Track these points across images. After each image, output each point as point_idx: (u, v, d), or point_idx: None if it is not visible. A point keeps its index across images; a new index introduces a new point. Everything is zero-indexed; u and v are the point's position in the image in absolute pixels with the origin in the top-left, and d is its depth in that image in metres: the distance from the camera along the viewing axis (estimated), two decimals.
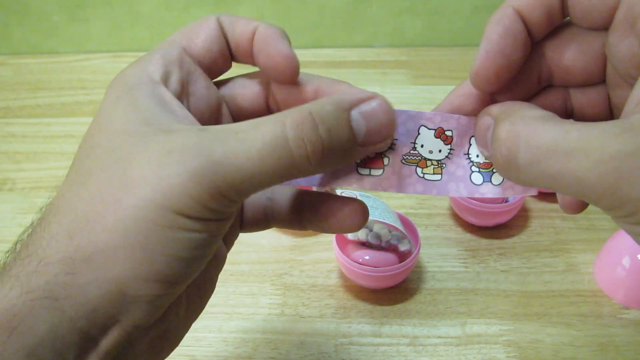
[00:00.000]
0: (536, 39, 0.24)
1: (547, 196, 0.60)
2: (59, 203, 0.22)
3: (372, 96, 0.23)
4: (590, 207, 0.66)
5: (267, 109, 0.28)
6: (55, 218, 0.21)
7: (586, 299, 0.51)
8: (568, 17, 0.24)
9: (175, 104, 0.24)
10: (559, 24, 0.24)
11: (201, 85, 0.26)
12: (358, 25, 0.84)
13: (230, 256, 0.55)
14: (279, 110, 0.28)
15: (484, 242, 0.56)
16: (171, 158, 0.20)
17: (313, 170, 0.22)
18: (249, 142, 0.21)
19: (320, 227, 0.28)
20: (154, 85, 0.24)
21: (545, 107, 0.24)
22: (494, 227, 0.57)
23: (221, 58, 0.27)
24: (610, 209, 0.20)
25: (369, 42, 0.86)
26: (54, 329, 0.20)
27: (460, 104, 0.26)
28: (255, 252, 0.56)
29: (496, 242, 0.56)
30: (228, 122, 0.27)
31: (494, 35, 0.23)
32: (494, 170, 0.25)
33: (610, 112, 0.25)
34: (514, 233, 0.57)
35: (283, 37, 0.26)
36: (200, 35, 0.26)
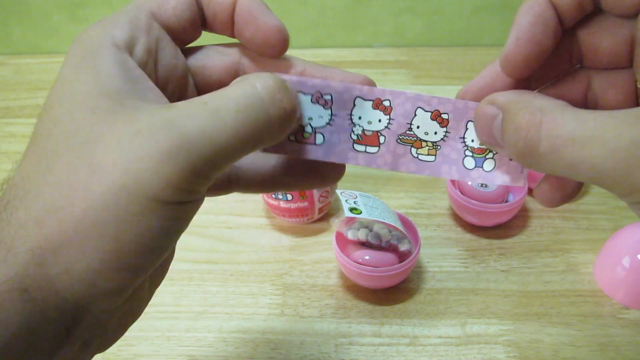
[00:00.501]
0: (567, 25, 0.25)
1: None
2: (25, 186, 0.21)
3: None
4: (591, 207, 0.65)
5: None
6: (22, 204, 0.20)
7: (586, 299, 0.51)
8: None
9: (140, 74, 0.23)
10: (590, 11, 0.25)
11: (168, 54, 0.25)
12: (358, 25, 0.84)
13: (230, 256, 0.55)
14: None
15: (484, 242, 0.56)
16: (140, 139, 0.19)
17: (277, 136, 0.23)
18: (221, 112, 0.20)
19: (297, 185, 0.27)
20: (118, 51, 0.22)
21: (568, 91, 0.25)
22: (494, 227, 0.57)
23: (191, 27, 0.26)
24: (625, 195, 0.21)
25: (369, 42, 0.86)
26: (27, 322, 0.20)
27: (493, 80, 0.26)
28: (255, 252, 0.56)
29: (496, 242, 0.56)
30: (193, 95, 0.27)
31: (525, 22, 0.24)
32: (487, 157, 0.26)
33: (635, 97, 0.26)
34: (514, 233, 0.57)
35: (268, 9, 0.25)
36: (171, 2, 0.25)
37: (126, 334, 0.26)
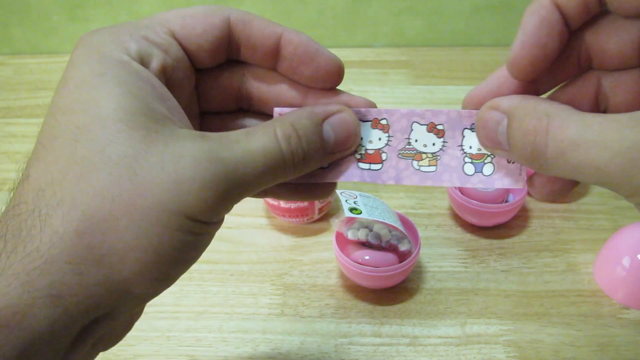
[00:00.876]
0: (573, 28, 0.25)
1: None
2: (56, 193, 0.21)
3: (340, 109, 0.26)
4: (590, 207, 0.65)
5: (236, 100, 0.28)
6: (57, 212, 0.20)
7: (586, 299, 0.51)
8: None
9: (166, 92, 0.23)
10: (596, 13, 0.25)
11: (183, 76, 0.25)
12: (358, 25, 0.84)
13: (230, 256, 0.55)
14: (249, 99, 0.28)
15: (484, 242, 0.56)
16: (183, 163, 0.21)
17: (294, 175, 0.25)
18: (252, 152, 0.22)
19: (286, 197, 0.28)
20: (140, 66, 0.23)
21: (578, 93, 0.25)
22: (494, 227, 0.57)
23: (210, 56, 0.25)
24: (629, 196, 0.21)
25: (369, 42, 0.86)
26: (53, 325, 0.20)
27: (500, 85, 0.26)
28: (255, 252, 0.56)
29: (496, 242, 0.56)
30: (195, 117, 0.28)
31: (530, 25, 0.24)
32: (485, 162, 0.27)
33: None
34: (514, 233, 0.57)
35: (319, 44, 0.26)
36: (198, 28, 0.25)
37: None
